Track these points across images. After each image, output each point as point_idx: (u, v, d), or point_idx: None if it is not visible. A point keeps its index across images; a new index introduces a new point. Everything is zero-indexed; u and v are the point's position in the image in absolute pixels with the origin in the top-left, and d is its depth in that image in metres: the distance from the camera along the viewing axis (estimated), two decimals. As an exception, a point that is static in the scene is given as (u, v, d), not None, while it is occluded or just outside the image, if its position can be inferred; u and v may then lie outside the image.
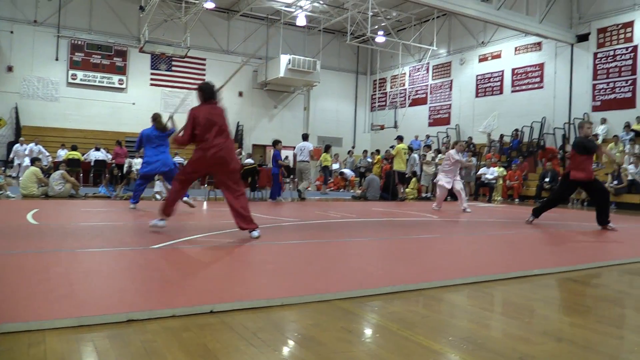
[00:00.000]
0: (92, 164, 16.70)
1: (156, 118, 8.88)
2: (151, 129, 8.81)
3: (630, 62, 16.47)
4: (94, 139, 20.26)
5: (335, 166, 21.32)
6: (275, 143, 12.90)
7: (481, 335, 2.47)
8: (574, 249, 5.81)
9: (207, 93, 5.53)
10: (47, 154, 17.40)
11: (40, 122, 20.90)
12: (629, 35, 16.56)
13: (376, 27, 24.14)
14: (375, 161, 20.41)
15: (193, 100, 6.18)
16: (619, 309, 3.19)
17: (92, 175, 16.52)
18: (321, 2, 22.79)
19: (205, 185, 13.26)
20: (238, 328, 2.44)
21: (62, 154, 17.64)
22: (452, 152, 11.09)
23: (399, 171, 14.56)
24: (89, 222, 6.62)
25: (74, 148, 17.17)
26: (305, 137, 14.11)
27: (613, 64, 16.94)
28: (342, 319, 2.65)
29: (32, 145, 17.46)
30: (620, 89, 16.73)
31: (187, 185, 5.72)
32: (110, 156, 18.03)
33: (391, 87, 27.06)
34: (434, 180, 13.17)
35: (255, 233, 5.32)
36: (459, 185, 11.12)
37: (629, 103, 16.45)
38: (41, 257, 4.02)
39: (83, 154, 17.93)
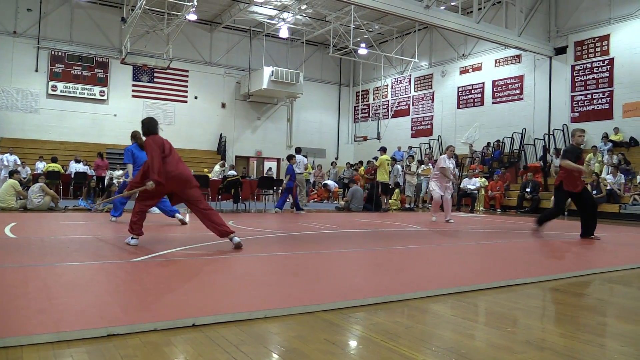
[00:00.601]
0: (72, 176, 16.47)
1: (136, 135, 8.81)
2: (134, 145, 8.74)
3: (607, 74, 16.83)
4: (74, 151, 20.05)
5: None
6: (290, 158, 13.49)
7: (465, 345, 2.48)
8: (556, 258, 5.87)
9: (151, 127, 5.70)
10: (20, 162, 17.15)
11: (20, 134, 20.63)
12: (605, 48, 16.95)
13: (358, 39, 24.38)
14: (360, 172, 20.47)
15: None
16: (600, 317, 3.23)
17: (72, 187, 16.28)
18: (304, 14, 22.93)
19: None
20: (220, 341, 2.42)
21: (41, 166, 17.39)
22: (442, 157, 11.04)
23: (383, 182, 14.63)
24: (68, 236, 6.52)
25: (53, 160, 16.93)
26: (298, 151, 14.59)
27: (590, 76, 17.30)
28: (325, 331, 2.63)
29: (7, 155, 17.19)
30: (597, 101, 17.07)
31: (151, 206, 5.93)
32: (88, 168, 17.80)
33: (374, 99, 27.26)
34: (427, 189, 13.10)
35: (236, 239, 5.40)
36: (448, 196, 10.98)
37: (606, 114, 16.79)
38: (19, 271, 3.94)
39: (63, 166, 17.68)
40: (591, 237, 7.57)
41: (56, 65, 21.39)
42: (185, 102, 24.42)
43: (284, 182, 13.11)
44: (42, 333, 2.36)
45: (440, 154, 20.93)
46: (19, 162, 17.16)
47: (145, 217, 5.68)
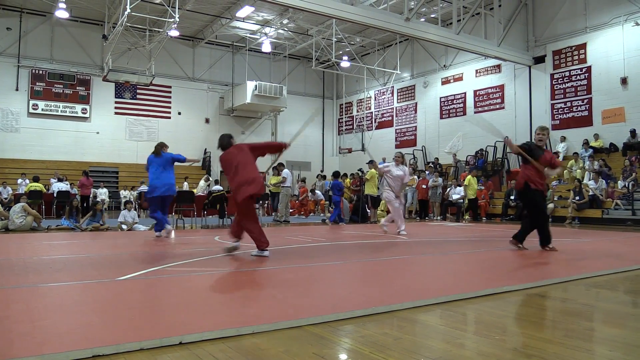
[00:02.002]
0: (54, 195, 16.24)
1: (162, 145, 9.22)
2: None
3: (585, 82, 17.14)
4: (56, 170, 19.80)
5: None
6: (338, 174, 14.60)
7: (454, 354, 2.48)
8: (541, 264, 5.91)
9: (220, 144, 6.36)
10: None
11: (0, 153, 20.34)
12: (582, 56, 17.27)
13: (340, 52, 24.58)
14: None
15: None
16: (587, 323, 3.25)
17: (54, 206, 16.05)
18: (286, 29, 23.07)
19: (173, 214, 13.08)
20: (208, 359, 2.38)
21: (22, 183, 17.15)
22: (389, 165, 10.39)
23: (372, 195, 14.66)
24: (51, 256, 6.42)
25: (35, 179, 16.69)
26: (282, 166, 15.15)
27: (569, 84, 17.60)
28: (314, 345, 2.61)
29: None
30: (577, 108, 17.35)
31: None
32: (70, 186, 17.55)
33: (357, 111, 27.42)
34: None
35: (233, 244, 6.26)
36: (398, 204, 10.19)
37: (586, 121, 17.06)
38: (0, 294, 3.86)
39: (45, 186, 17.44)
40: (548, 247, 6.81)
41: (37, 83, 21.21)
42: (169, 118, 24.34)
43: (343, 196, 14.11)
44: (26, 357, 2.31)
45: (425, 164, 21.21)
46: None
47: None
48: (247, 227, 6.08)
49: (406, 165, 10.62)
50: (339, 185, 14.28)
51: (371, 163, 15.42)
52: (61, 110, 21.68)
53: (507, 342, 2.71)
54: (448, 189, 17.15)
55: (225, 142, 6.24)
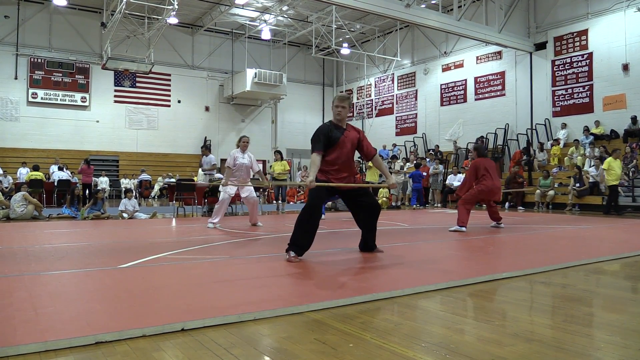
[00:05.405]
0: (55, 184, 16.25)
1: None
2: None
3: (586, 68, 17.05)
4: (56, 157, 19.79)
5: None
6: (419, 165, 16.73)
7: (454, 340, 2.49)
8: (541, 251, 5.93)
9: (478, 153, 8.73)
10: (2, 171, 16.90)
11: (0, 142, 20.32)
12: (584, 43, 17.16)
13: (340, 39, 24.43)
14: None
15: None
16: (586, 308, 3.27)
17: (55, 195, 16.07)
18: (285, 15, 22.92)
19: (174, 202, 13.10)
20: (210, 345, 2.40)
21: (24, 172, 17.15)
22: (234, 152, 8.81)
23: (372, 182, 14.70)
24: (53, 244, 6.44)
25: (35, 168, 16.68)
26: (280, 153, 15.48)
27: (570, 71, 17.50)
28: (315, 331, 2.63)
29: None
30: (578, 95, 17.28)
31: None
32: (70, 175, 17.55)
33: (358, 98, 27.32)
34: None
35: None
36: (252, 195, 8.99)
37: (587, 108, 17.00)
38: (3, 281, 3.88)
39: (46, 174, 17.44)
40: (375, 251, 5.49)
41: (36, 72, 21.11)
42: (169, 106, 24.26)
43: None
44: (29, 343, 2.33)
45: (426, 151, 21.18)
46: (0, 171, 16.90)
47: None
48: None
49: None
50: (419, 174, 16.27)
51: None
52: (60, 99, 21.60)
53: (507, 328, 2.73)
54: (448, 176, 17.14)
55: (483, 151, 8.77)
